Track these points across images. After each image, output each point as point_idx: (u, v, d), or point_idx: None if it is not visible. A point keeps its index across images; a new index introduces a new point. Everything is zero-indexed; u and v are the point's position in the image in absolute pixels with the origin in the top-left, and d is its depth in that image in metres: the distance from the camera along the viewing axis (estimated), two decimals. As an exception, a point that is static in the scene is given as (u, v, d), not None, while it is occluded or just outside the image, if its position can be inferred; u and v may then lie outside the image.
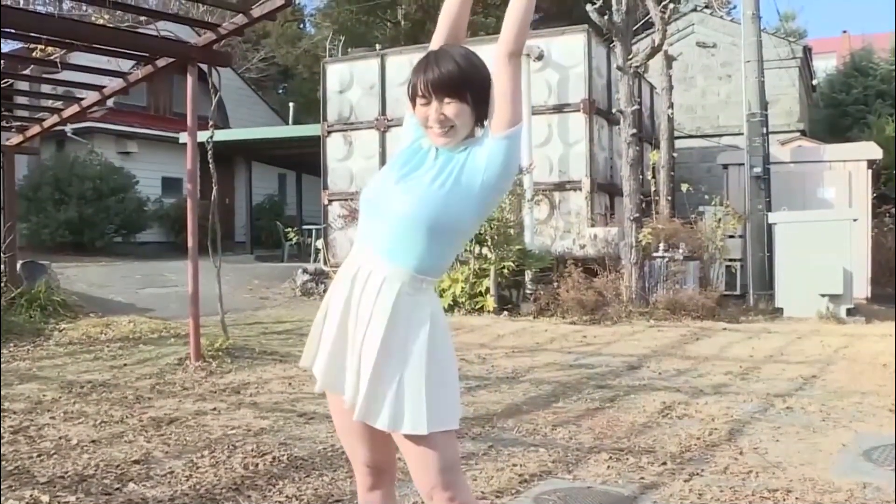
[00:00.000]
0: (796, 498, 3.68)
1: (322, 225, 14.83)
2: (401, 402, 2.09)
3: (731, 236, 12.21)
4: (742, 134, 13.00)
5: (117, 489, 3.85)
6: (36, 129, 10.26)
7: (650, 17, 12.57)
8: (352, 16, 29.08)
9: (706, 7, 20.07)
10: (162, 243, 20.42)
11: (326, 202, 14.51)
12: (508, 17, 2.12)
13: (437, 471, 2.12)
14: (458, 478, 2.19)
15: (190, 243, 7.36)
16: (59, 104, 9.88)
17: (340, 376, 2.19)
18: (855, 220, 10.87)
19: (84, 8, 8.24)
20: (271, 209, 23.44)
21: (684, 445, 4.55)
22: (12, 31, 7.00)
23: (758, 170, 12.26)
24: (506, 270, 10.96)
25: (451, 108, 2.11)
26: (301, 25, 36.10)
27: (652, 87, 16.18)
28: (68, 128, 18.09)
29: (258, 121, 24.32)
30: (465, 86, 2.12)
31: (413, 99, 2.18)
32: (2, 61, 10.06)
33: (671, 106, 14.33)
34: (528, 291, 11.42)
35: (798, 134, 17.74)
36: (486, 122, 2.17)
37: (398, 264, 2.12)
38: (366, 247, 2.19)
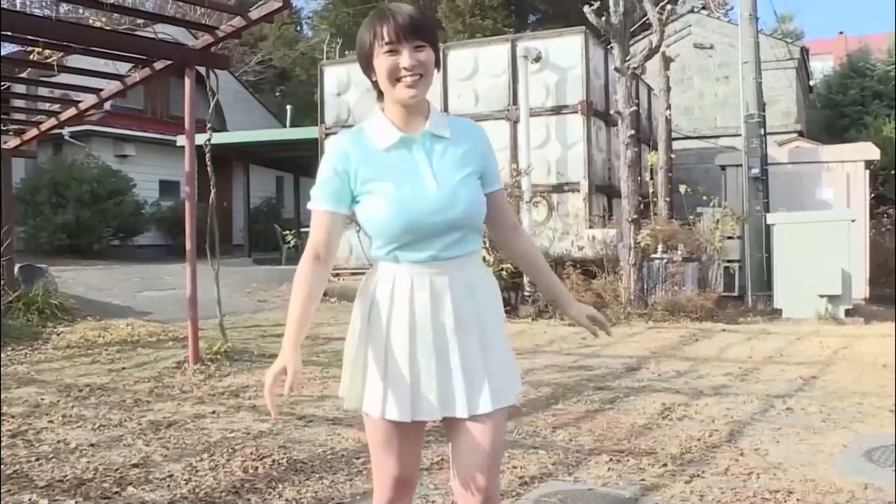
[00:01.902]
0: (797, 499, 3.67)
1: (320, 227, 14.76)
2: (509, 372, 2.19)
3: (730, 237, 12.20)
4: (740, 135, 12.99)
5: (116, 493, 3.83)
6: (33, 132, 10.24)
7: (647, 19, 12.58)
8: (349, 18, 29.06)
9: (703, 8, 20.10)
10: (160, 246, 20.41)
11: (324, 205, 14.46)
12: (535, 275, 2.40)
13: (501, 450, 2.22)
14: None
15: (188, 246, 7.36)
16: (56, 107, 9.88)
17: (430, 396, 2.09)
18: (853, 221, 10.86)
19: (81, 11, 8.22)
20: (269, 212, 23.42)
21: (685, 447, 4.54)
22: (9, 34, 6.98)
23: (756, 171, 12.26)
24: (504, 272, 10.94)
25: (423, 53, 2.05)
26: (298, 28, 36.15)
27: (650, 89, 16.18)
28: (65, 131, 18.06)
29: (256, 123, 24.31)
30: (432, 30, 2.10)
31: (369, 59, 2.08)
32: (-1, 64, 10.04)
33: (669, 107, 14.32)
34: (526, 293, 11.41)
35: (796, 135, 17.75)
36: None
37: (468, 255, 2.14)
38: (418, 261, 2.09)
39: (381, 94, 2.14)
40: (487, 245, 10.84)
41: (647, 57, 11.93)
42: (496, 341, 2.17)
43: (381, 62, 2.04)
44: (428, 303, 2.07)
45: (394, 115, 2.12)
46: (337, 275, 14.04)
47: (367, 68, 2.11)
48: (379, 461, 2.21)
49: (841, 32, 34.60)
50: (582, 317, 2.37)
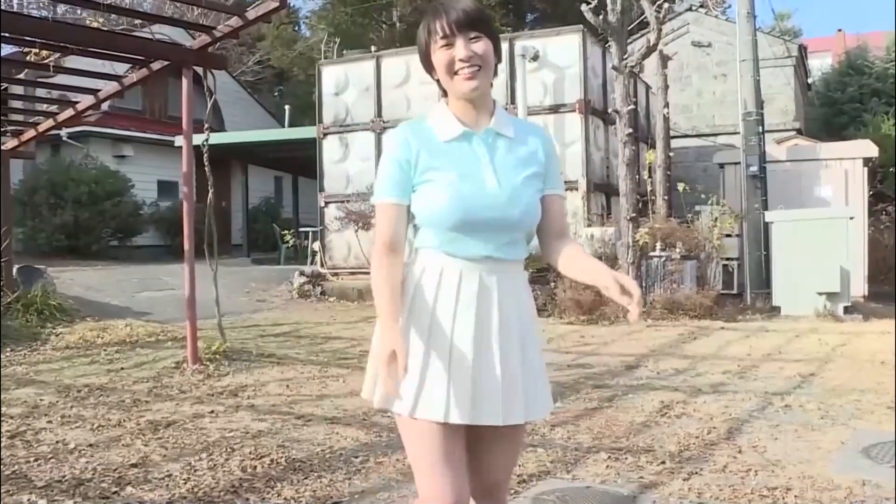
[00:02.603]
0: (795, 496, 3.67)
1: (319, 227, 14.81)
2: (532, 389, 2.08)
3: (728, 235, 12.20)
4: (738, 133, 13.00)
5: (115, 493, 3.83)
6: (31, 133, 10.24)
7: (645, 17, 12.58)
8: (347, 18, 29.05)
9: (701, 6, 20.09)
10: (158, 247, 20.39)
11: (323, 204, 14.50)
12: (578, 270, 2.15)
13: (515, 460, 2.25)
14: None
15: (186, 246, 7.35)
16: (54, 108, 9.86)
17: (483, 398, 2.00)
18: (852, 218, 10.86)
19: (79, 11, 8.21)
20: (267, 212, 23.41)
21: (683, 444, 4.54)
22: (7, 35, 6.97)
23: (754, 169, 12.26)
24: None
25: (479, 44, 2.03)
26: (296, 28, 36.12)
27: (647, 87, 16.18)
28: (63, 132, 18.06)
29: (254, 123, 24.30)
30: (487, 21, 2.07)
31: (427, 56, 2.08)
32: (-4, 65, 10.03)
33: (667, 105, 14.32)
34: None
35: (794, 132, 17.74)
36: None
37: (517, 256, 2.12)
38: (472, 256, 2.05)
39: (445, 93, 2.12)
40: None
41: (645, 55, 11.93)
42: (534, 354, 2.11)
43: (438, 57, 2.04)
44: (475, 297, 2.02)
45: (457, 110, 2.10)
46: (335, 274, 14.05)
47: (428, 66, 2.10)
48: (424, 471, 2.04)
49: (839, 30, 34.51)
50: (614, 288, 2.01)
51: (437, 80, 2.11)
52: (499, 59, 2.10)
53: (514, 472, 4.02)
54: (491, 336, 2.02)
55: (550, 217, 2.17)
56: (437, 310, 2.02)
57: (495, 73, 2.11)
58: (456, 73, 2.03)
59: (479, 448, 2.13)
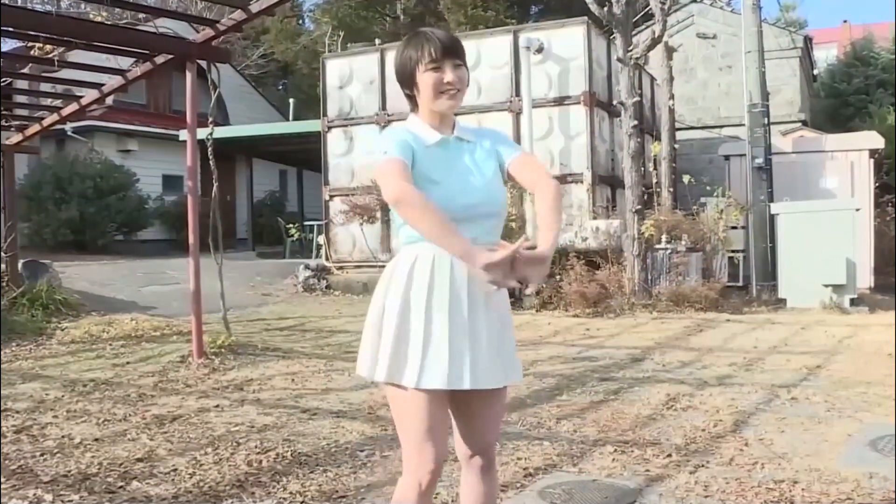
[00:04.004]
0: (802, 489, 3.66)
1: (323, 221, 14.81)
2: (509, 354, 2.38)
3: (734, 227, 12.18)
4: (743, 125, 12.96)
5: (121, 487, 3.84)
6: (36, 127, 10.24)
7: (650, 9, 12.52)
8: (351, 11, 29.05)
9: (706, -2, 20.01)
10: (163, 241, 20.40)
11: (328, 198, 14.50)
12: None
13: (500, 421, 2.56)
14: None
15: (191, 240, 7.35)
16: (58, 103, 9.86)
17: (462, 366, 2.24)
18: (857, 210, 10.83)
19: (82, 6, 8.21)
20: (272, 206, 23.42)
21: (689, 437, 4.53)
22: (11, 29, 6.97)
23: (759, 160, 12.23)
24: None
25: (461, 71, 2.35)
26: (300, 21, 36.06)
27: (652, 79, 16.13)
28: (68, 126, 18.05)
29: (258, 117, 24.27)
30: (464, 52, 2.39)
31: (412, 74, 2.35)
32: (1, 60, 10.04)
33: (672, 97, 14.29)
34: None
35: (799, 124, 17.69)
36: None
37: (496, 242, 2.31)
38: (468, 238, 2.25)
39: (414, 106, 2.42)
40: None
41: (650, 47, 11.89)
42: (509, 326, 2.44)
43: (426, 78, 2.33)
44: (466, 278, 2.26)
45: (430, 122, 2.40)
46: (341, 268, 14.05)
47: (409, 83, 2.38)
48: (416, 437, 2.28)
49: (845, 21, 34.45)
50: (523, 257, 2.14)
51: (409, 96, 2.41)
52: (467, 84, 2.43)
53: (515, 465, 4.04)
54: (479, 310, 2.28)
55: (525, 170, 2.43)
56: (433, 290, 2.26)
57: None
58: (442, 93, 2.33)
59: (468, 414, 2.40)
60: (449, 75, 2.32)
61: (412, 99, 2.42)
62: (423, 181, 2.26)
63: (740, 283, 12.37)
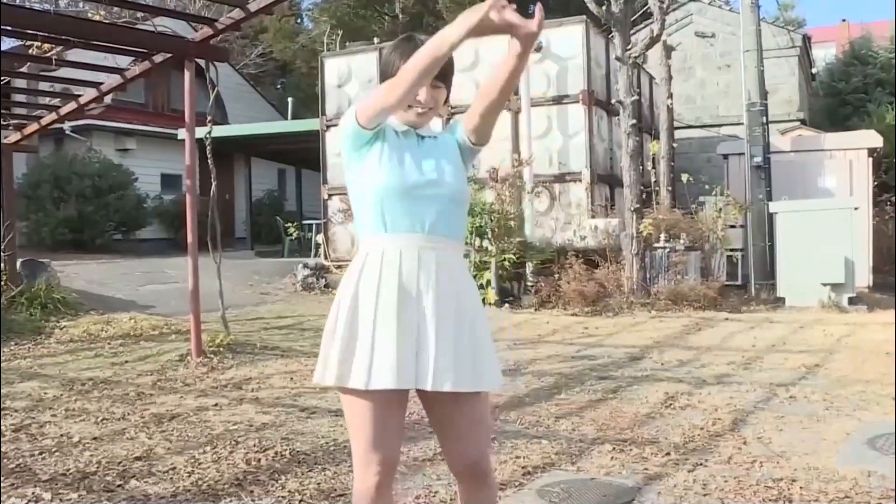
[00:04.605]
0: (801, 487, 3.66)
1: (322, 220, 14.80)
2: (480, 361, 2.26)
3: (732, 226, 12.18)
4: (742, 124, 12.96)
5: (119, 486, 3.84)
6: (34, 126, 10.23)
7: (648, 7, 12.52)
8: (349, 10, 29.04)
9: (704, -4, 20.00)
10: (162, 240, 20.39)
11: (326, 197, 14.49)
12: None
13: (488, 429, 2.44)
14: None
15: (190, 239, 7.34)
16: (56, 102, 9.86)
17: (411, 365, 2.19)
18: (856, 209, 10.84)
19: (81, 5, 8.21)
20: (271, 204, 23.42)
21: (688, 436, 4.54)
22: (9, 28, 6.96)
23: (758, 159, 12.23)
24: (507, 263, 10.95)
25: (438, 92, 2.35)
26: (298, 20, 36.05)
27: (651, 78, 16.13)
28: (66, 125, 18.03)
29: (257, 116, 24.25)
30: (450, 73, 2.38)
31: (392, 76, 2.28)
32: (-1, 59, 10.03)
33: (670, 96, 14.28)
34: (529, 283, 11.40)
35: (798, 123, 17.68)
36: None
37: (453, 238, 2.33)
38: (407, 230, 2.26)
39: None
40: (490, 236, 10.89)
41: (649, 46, 11.88)
42: (483, 332, 2.31)
43: None
44: (415, 274, 2.22)
45: (400, 119, 2.38)
46: (339, 267, 14.05)
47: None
48: (366, 442, 2.24)
49: (843, 20, 34.44)
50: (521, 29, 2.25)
51: None
52: (447, 103, 2.47)
53: (513, 463, 4.04)
54: (427, 311, 2.20)
55: (473, 103, 2.39)
56: (381, 287, 2.22)
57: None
58: (411, 107, 2.32)
59: (444, 424, 2.32)
60: (423, 94, 2.29)
61: None
62: (377, 154, 2.28)
63: (739, 282, 12.37)
